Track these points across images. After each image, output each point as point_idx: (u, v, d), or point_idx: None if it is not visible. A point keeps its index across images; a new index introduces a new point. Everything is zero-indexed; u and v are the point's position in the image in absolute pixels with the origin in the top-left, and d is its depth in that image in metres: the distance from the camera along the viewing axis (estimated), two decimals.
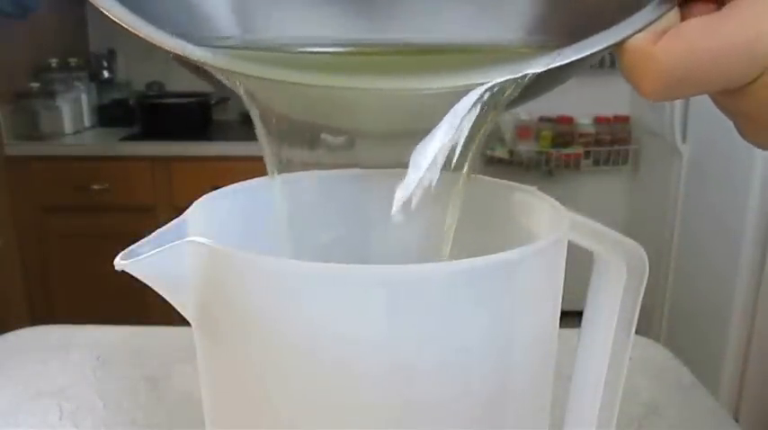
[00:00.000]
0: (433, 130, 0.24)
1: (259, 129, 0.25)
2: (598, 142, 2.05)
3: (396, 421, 0.23)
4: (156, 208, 1.67)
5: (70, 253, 1.71)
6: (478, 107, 0.23)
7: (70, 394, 0.49)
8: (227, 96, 1.83)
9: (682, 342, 1.57)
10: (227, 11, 0.27)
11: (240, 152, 1.61)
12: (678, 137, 1.56)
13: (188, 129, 1.75)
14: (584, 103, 1.99)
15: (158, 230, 0.24)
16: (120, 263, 0.22)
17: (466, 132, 0.24)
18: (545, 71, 0.22)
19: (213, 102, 1.82)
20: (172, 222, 0.25)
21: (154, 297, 0.25)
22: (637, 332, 0.27)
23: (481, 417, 0.24)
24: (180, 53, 0.23)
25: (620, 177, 2.13)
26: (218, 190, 0.29)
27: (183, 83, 1.96)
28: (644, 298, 0.26)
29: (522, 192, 0.30)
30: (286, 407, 0.24)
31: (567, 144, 2.06)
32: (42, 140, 1.71)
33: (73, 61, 1.83)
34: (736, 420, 0.47)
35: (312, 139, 0.27)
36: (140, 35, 0.23)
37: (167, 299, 0.24)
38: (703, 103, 0.28)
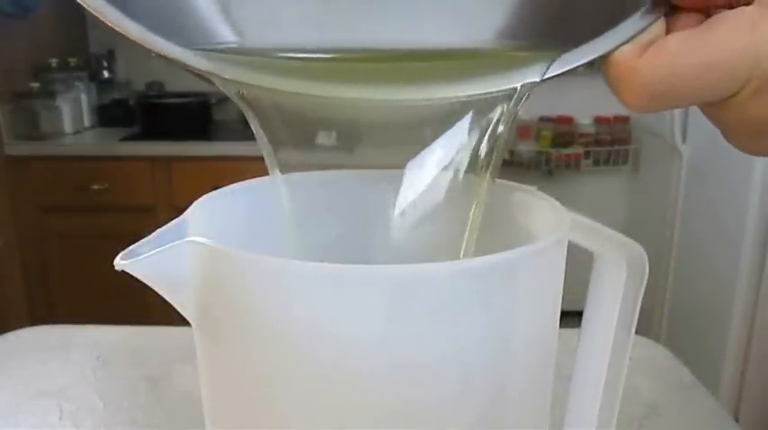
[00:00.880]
0: (432, 144, 0.24)
1: (257, 131, 0.25)
2: (598, 142, 2.05)
3: (396, 421, 0.23)
4: (156, 208, 1.67)
5: (70, 253, 1.71)
6: (473, 122, 0.24)
7: (70, 394, 0.49)
8: (227, 96, 1.84)
9: (682, 342, 1.57)
10: (219, 14, 0.27)
11: (240, 152, 1.61)
12: (678, 137, 1.56)
13: (188, 129, 1.75)
14: (584, 103, 1.99)
15: (158, 230, 0.24)
16: (120, 263, 0.22)
17: (471, 141, 0.24)
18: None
19: (213, 102, 1.82)
20: (172, 222, 0.25)
21: (154, 297, 0.25)
22: (637, 332, 0.27)
23: (481, 417, 0.24)
24: (184, 63, 0.23)
25: (620, 177, 2.13)
26: (218, 190, 0.29)
27: (182, 83, 1.95)
28: (644, 298, 0.26)
29: (522, 192, 0.30)
30: (286, 406, 0.24)
31: (567, 144, 2.06)
32: (42, 140, 1.71)
33: (73, 61, 1.83)
34: (737, 420, 0.47)
35: (311, 141, 0.27)
36: (145, 45, 0.23)
37: (167, 299, 0.24)
38: None
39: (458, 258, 0.28)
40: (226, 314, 0.24)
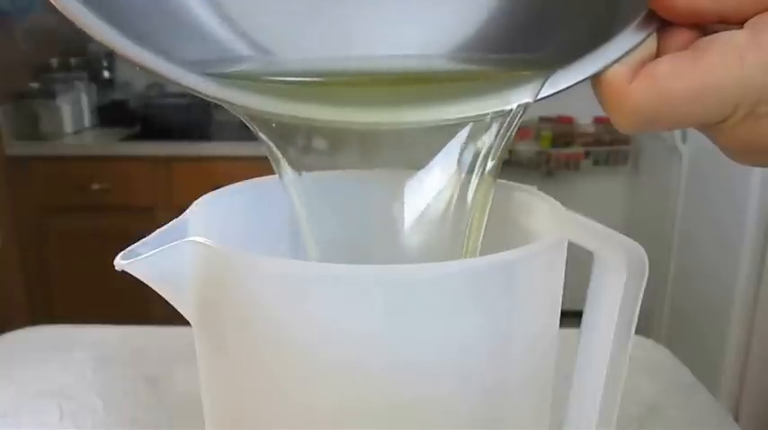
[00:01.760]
0: (429, 165, 0.25)
1: (264, 141, 0.25)
2: (598, 142, 2.05)
3: (396, 421, 0.23)
4: (156, 208, 1.67)
5: (70, 253, 1.71)
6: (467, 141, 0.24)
7: (70, 394, 0.49)
8: None
9: (682, 342, 1.57)
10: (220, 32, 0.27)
11: (240, 152, 1.61)
12: (678, 137, 1.56)
13: (188, 129, 1.75)
14: (584, 103, 1.98)
15: (158, 230, 0.24)
16: (120, 263, 0.22)
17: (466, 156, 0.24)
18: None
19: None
20: (172, 222, 0.25)
21: (154, 297, 0.25)
22: (637, 332, 0.27)
23: (481, 417, 0.24)
24: (194, 89, 0.23)
25: (620, 177, 2.13)
26: (218, 190, 0.29)
27: None
28: (644, 298, 0.26)
29: (522, 192, 0.30)
30: (286, 406, 0.24)
31: (567, 144, 2.06)
32: (42, 140, 1.71)
33: (73, 61, 1.83)
34: (737, 420, 0.47)
35: (320, 148, 0.27)
36: (146, 67, 0.22)
37: (167, 299, 0.24)
38: None
39: (452, 257, 0.28)
40: (226, 314, 0.24)
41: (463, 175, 0.27)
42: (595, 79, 0.23)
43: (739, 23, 0.21)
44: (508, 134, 0.25)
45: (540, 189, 0.29)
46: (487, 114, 0.23)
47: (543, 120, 2.06)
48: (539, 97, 0.23)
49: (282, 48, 0.26)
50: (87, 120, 1.86)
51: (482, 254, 0.22)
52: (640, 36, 0.22)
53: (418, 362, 0.22)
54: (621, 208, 2.13)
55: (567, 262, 0.26)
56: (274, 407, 0.24)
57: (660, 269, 1.66)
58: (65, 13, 0.21)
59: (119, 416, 0.46)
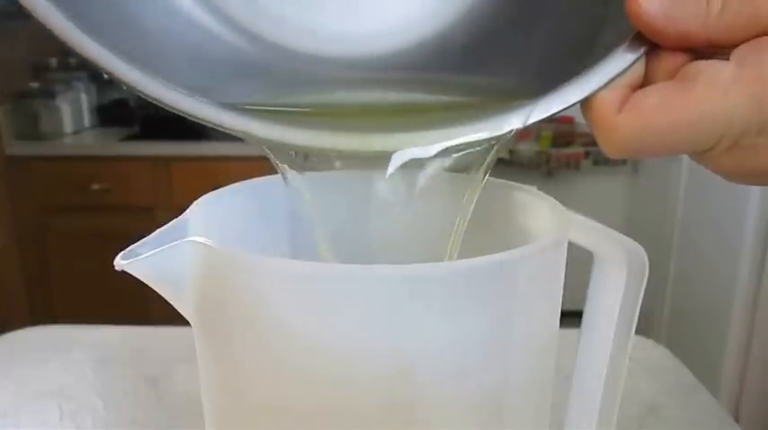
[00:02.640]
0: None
1: (266, 152, 0.25)
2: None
3: (396, 421, 0.23)
4: (156, 208, 1.67)
5: (70, 253, 1.71)
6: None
7: (70, 394, 0.49)
8: None
9: (682, 342, 1.57)
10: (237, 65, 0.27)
11: (240, 152, 1.61)
12: None
13: (188, 129, 1.74)
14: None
15: (158, 230, 0.24)
16: (120, 263, 0.22)
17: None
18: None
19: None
20: (172, 222, 0.25)
21: (154, 297, 0.25)
22: (637, 332, 0.27)
23: (481, 417, 0.24)
24: (210, 120, 0.22)
25: (620, 177, 2.13)
26: (218, 190, 0.29)
27: None
28: (644, 298, 0.26)
29: (522, 192, 0.30)
30: (286, 407, 0.24)
31: (567, 144, 2.06)
32: (42, 140, 1.71)
33: (73, 61, 1.83)
34: (737, 420, 0.47)
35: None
36: (152, 96, 0.22)
37: (167, 298, 0.24)
38: None
39: (443, 258, 0.28)
40: (226, 314, 0.24)
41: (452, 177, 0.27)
42: (584, 104, 0.23)
43: (729, 47, 0.21)
44: (493, 151, 0.25)
45: (540, 189, 0.29)
46: (483, 140, 0.23)
47: (543, 119, 2.06)
48: (528, 123, 0.23)
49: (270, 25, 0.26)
50: (87, 120, 1.86)
51: (482, 254, 0.22)
52: (628, 59, 0.22)
53: (418, 361, 0.22)
54: (621, 208, 2.13)
55: (567, 262, 0.26)
56: (274, 406, 0.24)
57: (660, 269, 1.66)
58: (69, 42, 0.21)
59: (119, 416, 0.46)
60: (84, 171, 1.68)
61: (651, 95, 0.22)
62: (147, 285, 0.23)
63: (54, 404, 0.47)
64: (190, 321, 0.25)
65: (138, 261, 0.22)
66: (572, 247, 0.26)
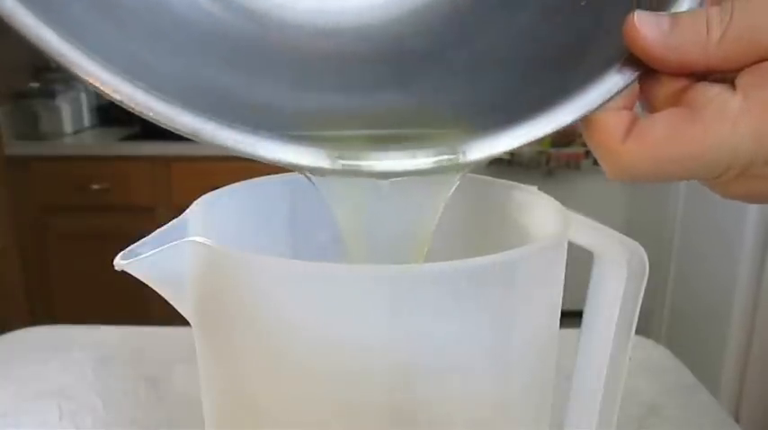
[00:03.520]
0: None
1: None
2: None
3: (396, 421, 0.23)
4: (156, 208, 1.67)
5: (70, 253, 1.71)
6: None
7: (70, 394, 0.49)
8: None
9: (682, 342, 1.57)
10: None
11: None
12: None
13: None
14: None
15: (158, 230, 0.24)
16: (120, 263, 0.22)
17: None
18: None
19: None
20: (172, 222, 0.25)
21: (154, 297, 0.25)
22: (637, 332, 0.27)
23: (481, 417, 0.24)
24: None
25: None
26: (218, 190, 0.29)
27: None
28: (644, 298, 0.26)
29: (522, 192, 0.30)
30: (286, 406, 0.24)
31: (567, 144, 2.06)
32: (42, 140, 1.71)
33: None
34: (737, 420, 0.47)
35: None
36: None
37: (167, 298, 0.24)
38: None
39: (452, 257, 0.28)
40: (225, 314, 0.24)
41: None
42: (586, 127, 0.23)
43: (728, 72, 0.21)
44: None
45: (540, 189, 0.29)
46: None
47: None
48: (516, 145, 0.23)
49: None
50: (87, 119, 1.86)
51: (482, 254, 0.22)
52: (624, 79, 0.22)
53: (419, 361, 0.22)
54: (621, 208, 2.13)
55: (566, 262, 0.26)
56: (274, 406, 0.24)
57: (660, 269, 1.66)
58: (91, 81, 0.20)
59: (119, 416, 0.46)
60: (84, 171, 1.67)
61: (658, 125, 0.21)
62: (147, 285, 0.23)
63: (54, 404, 0.47)
64: (190, 321, 0.25)
65: (138, 261, 0.22)
66: (572, 247, 0.26)
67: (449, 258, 0.22)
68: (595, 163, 2.06)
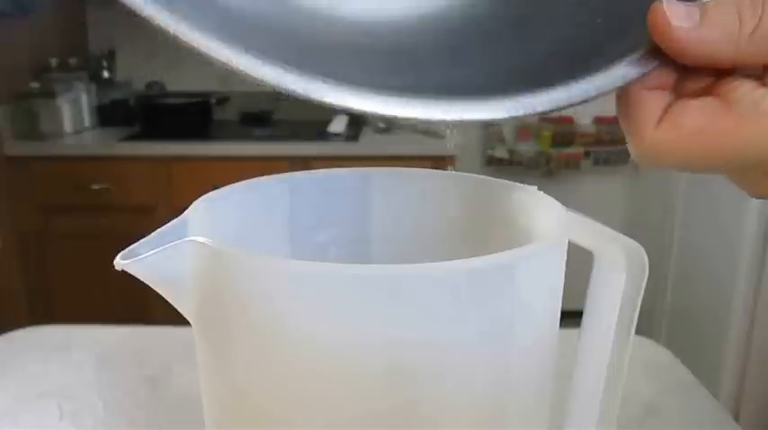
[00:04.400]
0: None
1: None
2: (598, 142, 2.05)
3: (396, 421, 0.23)
4: (156, 208, 1.67)
5: (70, 253, 1.71)
6: None
7: (70, 394, 0.49)
8: (227, 96, 1.84)
9: (682, 342, 1.57)
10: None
11: (240, 152, 1.61)
12: None
13: (188, 129, 1.75)
14: (584, 103, 1.99)
15: (158, 230, 0.24)
16: (120, 262, 0.22)
17: None
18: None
19: (213, 102, 1.82)
20: (172, 222, 0.25)
21: (154, 297, 0.25)
22: (637, 332, 0.27)
23: (481, 417, 0.24)
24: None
25: (620, 177, 2.13)
26: (218, 190, 0.29)
27: (183, 83, 1.95)
28: (644, 298, 0.26)
29: (522, 192, 0.30)
30: (286, 406, 0.24)
31: (567, 144, 2.05)
32: (42, 140, 1.71)
33: (73, 61, 1.83)
34: (737, 420, 0.47)
35: None
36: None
37: (167, 298, 0.24)
38: None
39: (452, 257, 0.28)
40: (226, 313, 0.24)
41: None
42: (621, 109, 0.23)
43: (754, 68, 0.21)
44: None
45: (540, 189, 0.29)
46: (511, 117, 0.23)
47: (543, 120, 2.06)
48: (543, 110, 0.23)
49: None
50: (87, 119, 1.86)
51: (482, 254, 0.22)
52: (645, 67, 0.22)
53: (417, 361, 0.22)
54: (621, 208, 2.13)
55: (567, 262, 0.26)
56: (274, 406, 0.24)
57: (660, 269, 1.66)
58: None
59: (119, 416, 0.46)
60: (84, 171, 1.67)
61: (692, 114, 0.21)
62: (147, 285, 0.23)
63: (54, 404, 0.47)
64: (190, 321, 0.25)
65: (138, 261, 0.22)
66: (572, 247, 0.26)
67: (449, 258, 0.22)
68: (595, 163, 2.06)
